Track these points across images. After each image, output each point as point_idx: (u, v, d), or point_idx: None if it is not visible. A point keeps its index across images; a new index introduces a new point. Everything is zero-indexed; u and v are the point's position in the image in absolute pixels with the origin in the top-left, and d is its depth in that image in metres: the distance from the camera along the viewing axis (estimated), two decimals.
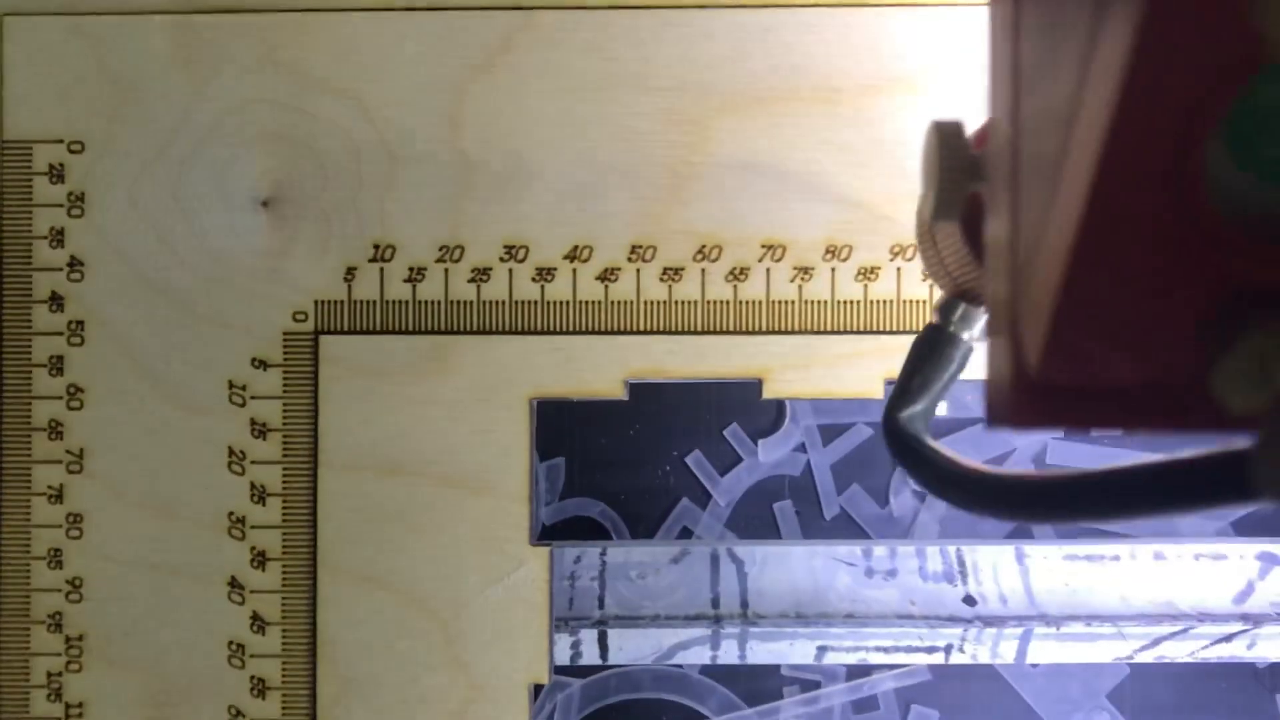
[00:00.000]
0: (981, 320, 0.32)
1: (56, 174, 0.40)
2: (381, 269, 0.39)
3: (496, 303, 0.39)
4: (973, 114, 0.39)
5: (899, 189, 0.39)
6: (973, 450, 0.47)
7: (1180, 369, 0.21)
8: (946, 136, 0.27)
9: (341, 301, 0.40)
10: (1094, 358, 0.22)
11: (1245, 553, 0.44)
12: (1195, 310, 0.21)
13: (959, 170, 0.27)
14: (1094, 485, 0.24)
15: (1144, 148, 0.19)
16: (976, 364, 0.33)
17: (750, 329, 0.39)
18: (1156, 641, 0.43)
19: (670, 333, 0.39)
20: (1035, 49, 0.23)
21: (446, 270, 0.39)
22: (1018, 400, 0.22)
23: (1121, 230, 0.20)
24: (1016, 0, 0.23)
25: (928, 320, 0.33)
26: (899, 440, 0.31)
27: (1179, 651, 0.44)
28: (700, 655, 0.44)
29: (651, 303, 0.39)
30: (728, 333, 0.39)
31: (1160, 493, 0.23)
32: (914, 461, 0.30)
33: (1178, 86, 0.19)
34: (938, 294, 0.33)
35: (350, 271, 0.39)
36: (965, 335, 0.32)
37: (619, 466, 0.47)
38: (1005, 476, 0.27)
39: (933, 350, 0.32)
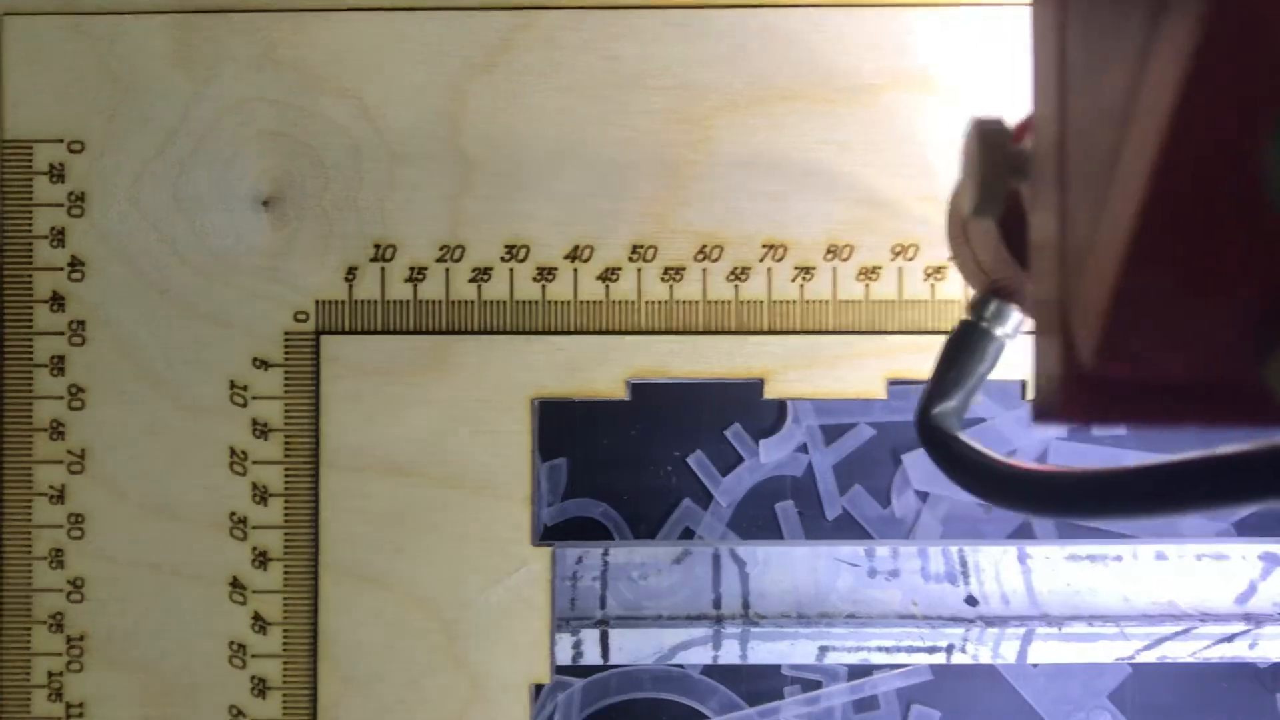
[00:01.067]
0: (1015, 316, 0.32)
1: (57, 174, 0.39)
2: (382, 269, 0.39)
3: (497, 302, 0.39)
4: (971, 114, 0.39)
5: (900, 188, 0.39)
6: None
7: (1233, 364, 0.21)
8: (987, 133, 0.27)
9: (342, 301, 0.39)
10: (1147, 354, 0.22)
11: (1247, 553, 0.44)
12: (1250, 307, 0.21)
13: (1000, 167, 0.27)
14: (1139, 480, 0.23)
15: (1202, 146, 0.19)
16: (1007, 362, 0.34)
17: (751, 329, 0.39)
18: (1158, 641, 0.43)
19: (671, 333, 0.39)
20: (1084, 46, 0.22)
21: (447, 270, 0.39)
22: (1070, 395, 0.22)
23: (1178, 228, 0.20)
24: (1062, 12, 0.23)
25: (961, 317, 0.33)
26: (933, 437, 0.31)
27: (1181, 651, 0.44)
28: (702, 655, 0.44)
29: (653, 302, 0.39)
30: (729, 333, 0.39)
31: (1211, 486, 0.22)
32: (949, 458, 0.30)
33: (1238, 85, 0.19)
34: (970, 291, 0.33)
35: (351, 271, 0.39)
36: (998, 331, 0.32)
37: (621, 467, 0.47)
38: (1045, 473, 0.27)
39: (966, 346, 0.32)
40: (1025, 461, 0.28)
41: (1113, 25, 0.21)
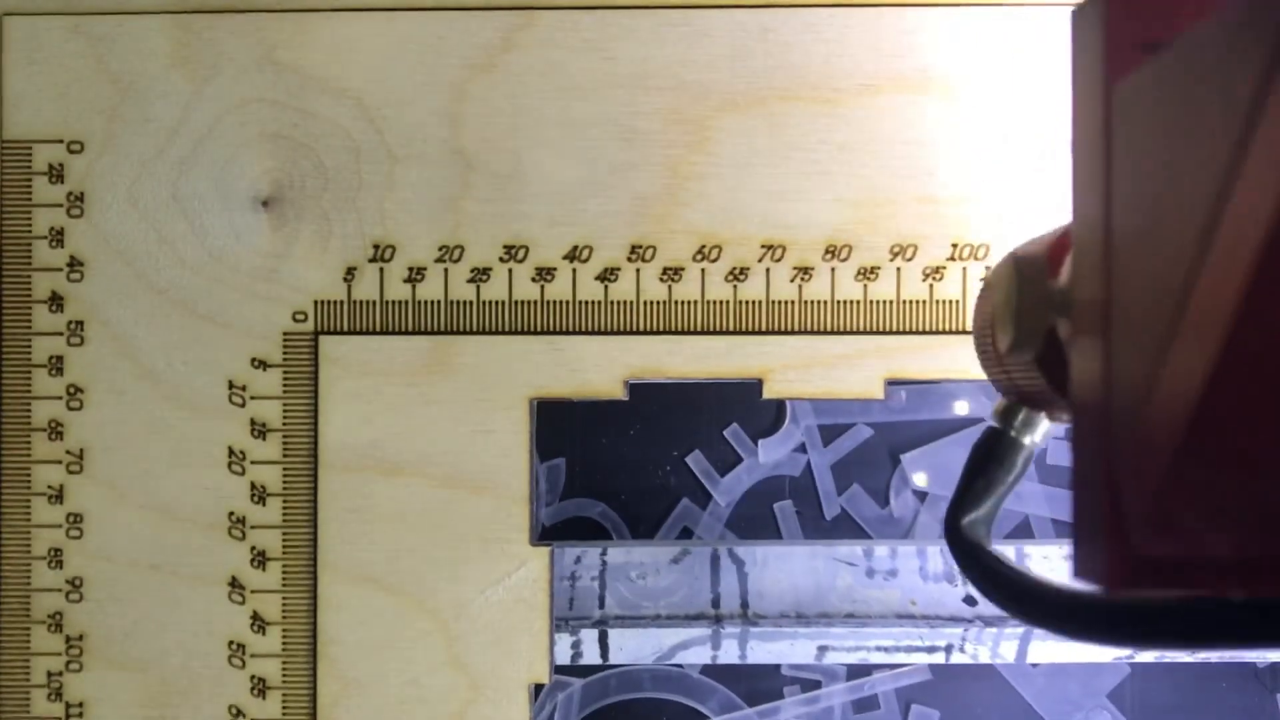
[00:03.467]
0: (1044, 425, 0.31)
1: (56, 174, 0.40)
2: (381, 269, 0.39)
3: (496, 303, 0.39)
4: (972, 114, 0.39)
5: (899, 188, 0.39)
6: (965, 448, 0.47)
7: None
8: (1025, 268, 0.26)
9: (341, 301, 0.39)
10: (1199, 530, 0.21)
11: None
12: None
13: (1039, 305, 0.26)
14: (1183, 615, 0.22)
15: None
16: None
17: (750, 329, 0.39)
18: None
19: (670, 333, 0.39)
20: (1137, 186, 0.21)
21: (446, 270, 0.39)
22: (1114, 568, 0.21)
23: (1244, 403, 0.19)
24: (1106, 122, 0.22)
25: (988, 425, 0.32)
26: (962, 548, 0.30)
27: (1180, 652, 0.43)
28: (701, 655, 0.44)
29: (651, 303, 0.39)
30: (728, 333, 0.39)
31: (1257, 627, 0.21)
32: (978, 571, 0.29)
33: None
34: (996, 396, 0.32)
35: (350, 271, 0.39)
36: (1027, 440, 0.31)
37: (619, 467, 0.47)
38: (1079, 596, 0.25)
39: (994, 455, 0.31)
40: (1056, 581, 0.27)
41: (1177, 157, 0.19)
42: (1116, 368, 0.21)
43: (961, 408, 0.47)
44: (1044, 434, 0.31)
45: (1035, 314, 0.26)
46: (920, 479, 0.47)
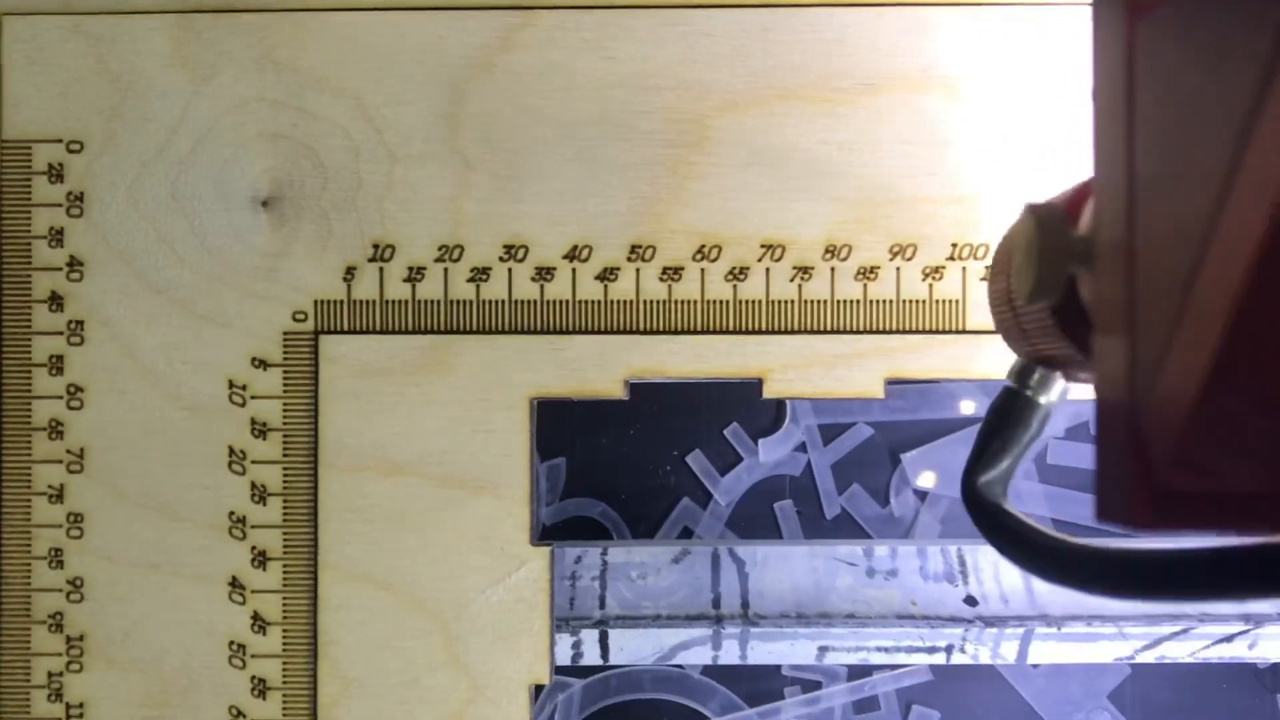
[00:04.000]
0: (1059, 384, 0.31)
1: (56, 174, 0.40)
2: (381, 269, 0.39)
3: (496, 302, 0.39)
4: (973, 113, 0.39)
5: (899, 188, 0.39)
6: (965, 447, 0.47)
7: None
8: (1044, 220, 0.26)
9: (341, 301, 0.40)
10: (1221, 466, 0.21)
11: None
12: None
13: (1059, 255, 0.26)
14: (1207, 563, 0.22)
15: None
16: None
17: (750, 329, 0.39)
18: (1157, 641, 0.43)
19: (670, 332, 0.39)
20: (1159, 128, 0.21)
21: (446, 270, 0.39)
22: (1140, 506, 0.21)
23: (1268, 340, 0.19)
24: (1129, 63, 0.22)
25: (1004, 384, 0.32)
26: (979, 507, 0.30)
27: (1180, 651, 0.44)
28: (701, 655, 0.44)
29: (651, 302, 0.39)
30: (728, 332, 0.39)
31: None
32: (996, 529, 0.29)
33: None
34: (1011, 356, 0.32)
35: (350, 271, 0.39)
36: (1043, 399, 0.31)
37: (619, 466, 0.47)
38: (1098, 550, 0.25)
39: (1010, 415, 0.31)
40: (1070, 538, 0.27)
41: (1195, 111, 0.19)
42: (1140, 309, 0.21)
43: (967, 407, 0.47)
44: (1059, 393, 0.31)
45: (1055, 261, 0.26)
46: (928, 479, 0.47)
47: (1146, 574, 0.23)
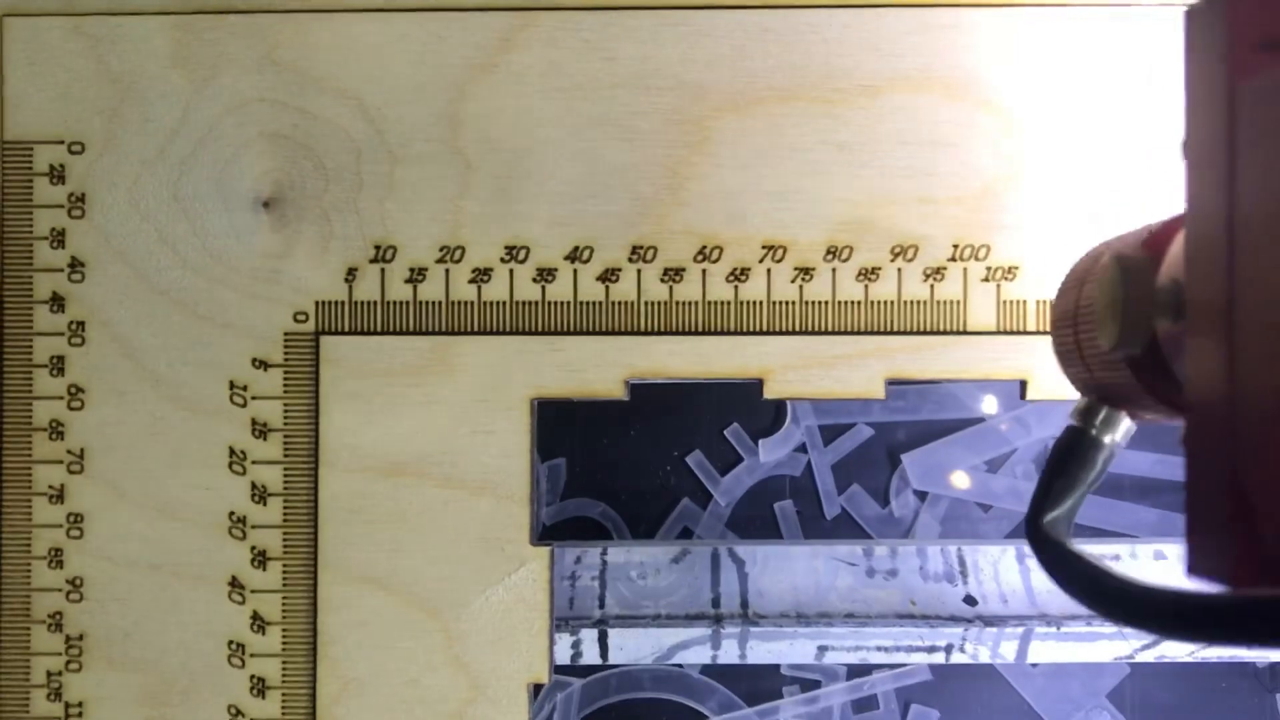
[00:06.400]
0: (1125, 424, 0.31)
1: (57, 174, 0.39)
2: (382, 269, 0.39)
3: (497, 303, 0.39)
4: (973, 114, 0.39)
5: (900, 189, 0.39)
6: (969, 451, 0.47)
7: None
8: (1130, 270, 0.26)
9: (342, 302, 0.39)
10: None
11: None
12: None
13: (1145, 306, 0.26)
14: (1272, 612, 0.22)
15: None
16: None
17: (751, 329, 0.39)
18: (1157, 641, 0.43)
19: (671, 333, 0.39)
20: (1262, 185, 0.21)
21: (447, 271, 0.39)
22: (1242, 564, 0.21)
23: None
24: (1230, 122, 0.22)
25: (1068, 423, 0.32)
26: (1045, 547, 0.30)
27: (1179, 651, 0.44)
28: (700, 655, 0.44)
29: (652, 303, 0.39)
30: (728, 333, 0.39)
31: None
32: (1062, 569, 0.29)
33: None
34: (1073, 393, 0.32)
35: (351, 272, 0.39)
36: (1107, 439, 0.31)
37: (619, 467, 0.47)
38: (1168, 593, 0.25)
39: (1075, 455, 0.31)
40: (1138, 579, 0.26)
41: None
42: (1240, 365, 0.21)
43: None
44: (1125, 433, 0.31)
45: (1141, 313, 0.26)
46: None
47: (1218, 617, 0.23)
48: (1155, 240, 0.28)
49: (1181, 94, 0.24)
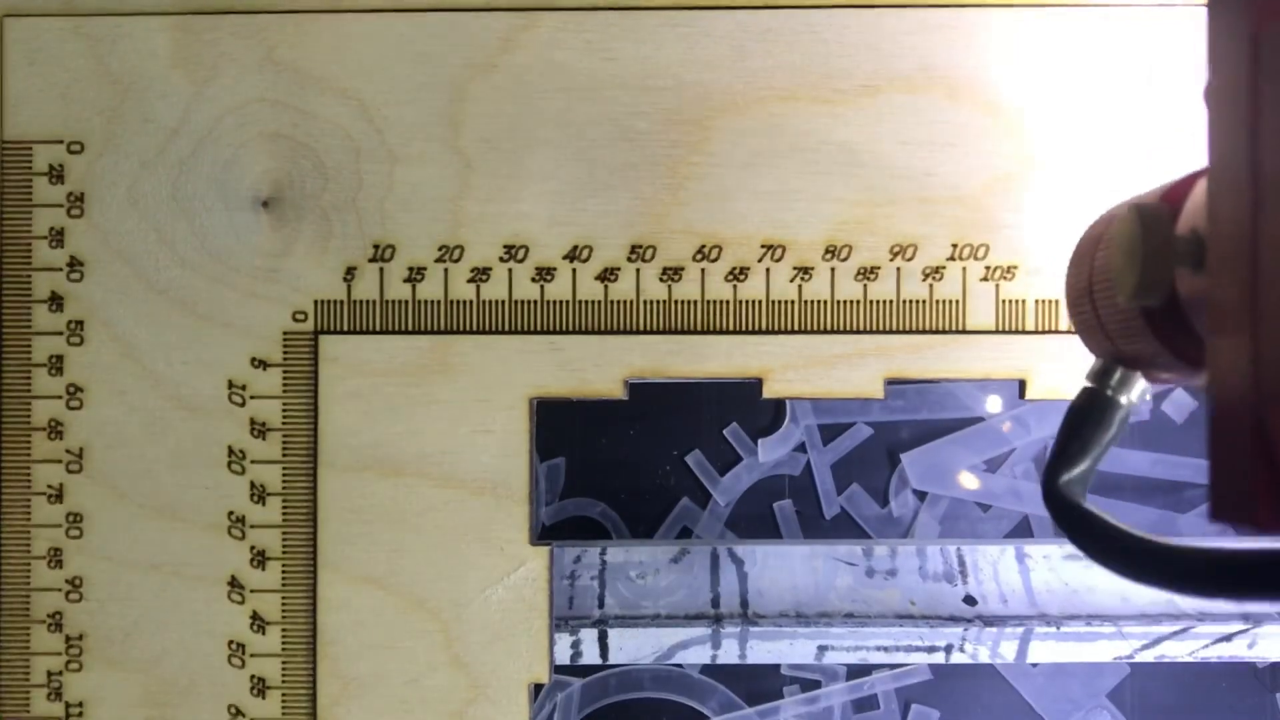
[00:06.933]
0: (1140, 384, 0.31)
1: (56, 174, 0.40)
2: (381, 269, 0.39)
3: (496, 302, 0.39)
4: (972, 114, 0.39)
5: (899, 188, 0.39)
6: (968, 450, 0.47)
7: None
8: (1149, 219, 0.26)
9: (341, 301, 0.40)
10: None
11: None
12: None
13: (1165, 256, 0.26)
14: None
15: None
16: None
17: (750, 329, 0.39)
18: (1157, 641, 0.43)
19: (670, 332, 0.39)
20: None
21: (446, 270, 0.39)
22: (1265, 508, 0.21)
23: None
24: (1252, 69, 0.22)
25: (1084, 385, 0.32)
26: (1061, 506, 0.30)
27: (1179, 651, 0.44)
28: (700, 655, 0.44)
29: (651, 302, 0.39)
30: (728, 332, 0.39)
31: None
32: (1079, 528, 0.29)
33: None
34: (1090, 357, 0.32)
35: (350, 271, 0.39)
36: (1123, 399, 0.31)
37: (619, 466, 0.47)
38: (1187, 550, 0.25)
39: (1091, 415, 0.31)
40: (1155, 536, 0.26)
41: None
42: (1264, 309, 0.21)
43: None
44: (1140, 393, 0.31)
45: (1161, 263, 0.26)
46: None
47: (1237, 572, 0.23)
48: (1173, 191, 0.28)
49: (1203, 41, 0.24)
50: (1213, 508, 0.23)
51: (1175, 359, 0.28)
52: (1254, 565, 0.22)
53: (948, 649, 0.44)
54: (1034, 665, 0.46)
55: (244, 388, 0.40)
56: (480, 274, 0.39)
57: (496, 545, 0.39)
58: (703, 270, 0.39)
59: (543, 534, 0.45)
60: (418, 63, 0.39)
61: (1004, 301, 0.39)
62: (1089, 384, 0.31)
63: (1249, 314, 0.22)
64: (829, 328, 0.39)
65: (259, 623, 0.39)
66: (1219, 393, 0.23)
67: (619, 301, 0.39)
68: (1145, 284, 0.26)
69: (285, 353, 0.40)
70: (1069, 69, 0.39)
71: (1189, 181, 0.27)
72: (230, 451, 0.40)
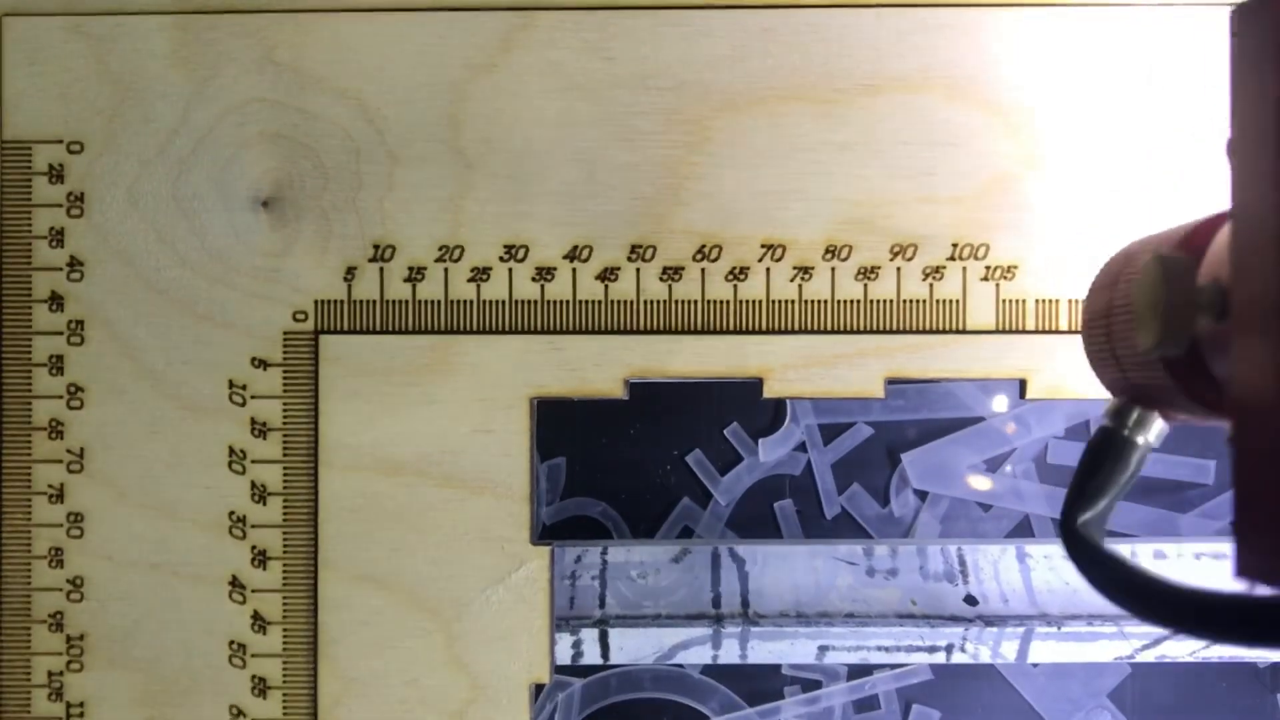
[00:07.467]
0: (1158, 424, 0.31)
1: (56, 174, 0.40)
2: (381, 269, 0.39)
3: (496, 302, 0.39)
4: (972, 114, 0.39)
5: (899, 188, 0.39)
6: (969, 450, 0.47)
7: None
8: (1172, 270, 0.26)
9: (341, 301, 0.40)
10: None
11: None
12: None
13: (1188, 307, 0.26)
14: None
15: None
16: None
17: (750, 328, 0.39)
18: (1157, 641, 0.43)
19: (670, 332, 0.39)
20: None
21: (446, 270, 0.39)
22: None
23: None
24: (1278, 122, 0.22)
25: (1101, 424, 0.31)
26: (1079, 547, 0.30)
27: (1180, 651, 0.44)
28: (701, 655, 0.44)
29: (651, 302, 0.39)
30: (728, 332, 0.39)
31: None
32: (1096, 570, 0.29)
33: None
34: (1105, 393, 0.32)
35: (350, 271, 0.39)
36: (1141, 440, 0.31)
37: (619, 466, 0.47)
38: (1203, 595, 0.25)
39: (1109, 455, 0.31)
40: (1174, 580, 0.26)
41: None
42: None
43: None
44: (1158, 433, 0.31)
45: (1183, 313, 0.26)
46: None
47: (1260, 620, 0.23)
48: (1193, 239, 0.28)
49: (1226, 93, 0.24)
50: (1238, 564, 0.23)
51: (1192, 402, 0.28)
52: (1276, 612, 0.22)
53: (948, 649, 0.44)
54: (1035, 665, 0.46)
55: (244, 387, 0.40)
56: (480, 274, 0.39)
57: (497, 545, 0.39)
58: (703, 270, 0.39)
59: (543, 534, 0.45)
60: (418, 63, 0.39)
61: (1004, 301, 0.39)
62: (1106, 423, 0.31)
63: (1275, 368, 0.22)
64: (829, 327, 0.39)
65: (260, 623, 0.40)
66: (1244, 447, 0.23)
67: (619, 301, 0.39)
68: (1168, 334, 0.26)
69: (285, 352, 0.40)
70: (1069, 69, 0.39)
71: (1208, 228, 0.27)
72: (231, 451, 0.40)
